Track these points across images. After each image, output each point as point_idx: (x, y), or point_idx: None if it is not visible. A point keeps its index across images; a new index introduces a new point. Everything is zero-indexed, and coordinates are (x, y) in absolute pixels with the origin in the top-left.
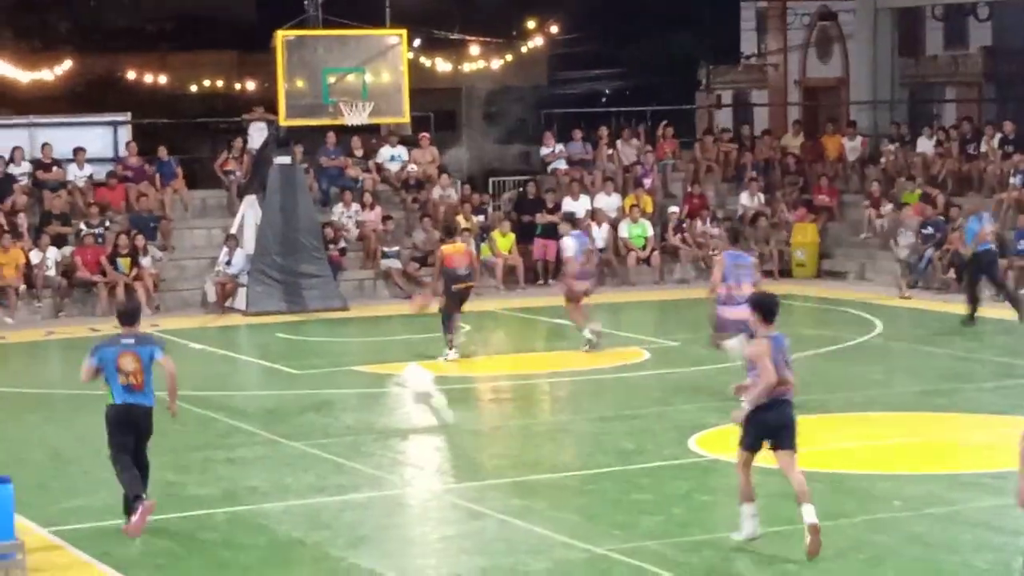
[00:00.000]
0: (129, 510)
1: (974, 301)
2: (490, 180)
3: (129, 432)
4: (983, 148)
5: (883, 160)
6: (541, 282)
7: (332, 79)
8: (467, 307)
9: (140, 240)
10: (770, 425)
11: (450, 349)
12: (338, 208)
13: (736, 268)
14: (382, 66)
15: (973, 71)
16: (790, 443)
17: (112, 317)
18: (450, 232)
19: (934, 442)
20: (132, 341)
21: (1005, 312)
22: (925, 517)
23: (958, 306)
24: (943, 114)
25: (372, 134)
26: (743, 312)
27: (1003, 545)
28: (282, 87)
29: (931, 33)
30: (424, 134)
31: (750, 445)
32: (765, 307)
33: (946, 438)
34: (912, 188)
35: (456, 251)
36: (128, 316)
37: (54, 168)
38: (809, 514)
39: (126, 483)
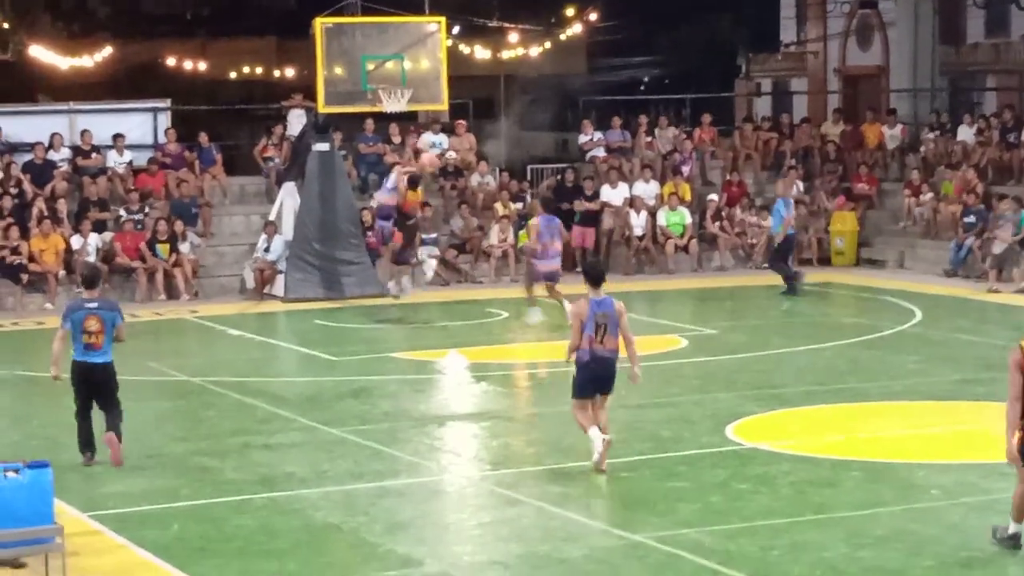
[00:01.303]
0: (82, 452)
1: (790, 275)
2: (528, 168)
3: (87, 387)
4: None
5: (923, 148)
6: (579, 269)
7: (371, 66)
8: (506, 294)
9: (179, 226)
10: (596, 376)
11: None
12: (377, 195)
13: (548, 228)
14: (421, 53)
15: (1015, 59)
16: (608, 389)
17: (151, 303)
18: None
19: (973, 431)
20: (96, 305)
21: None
22: (963, 506)
23: (999, 295)
24: (984, 102)
25: (410, 121)
26: (553, 264)
27: None
28: (321, 74)
29: (972, 21)
30: (461, 121)
31: (584, 394)
32: (590, 274)
33: (985, 427)
34: (951, 177)
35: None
36: (90, 281)
37: (93, 154)
38: (605, 434)
39: (80, 437)
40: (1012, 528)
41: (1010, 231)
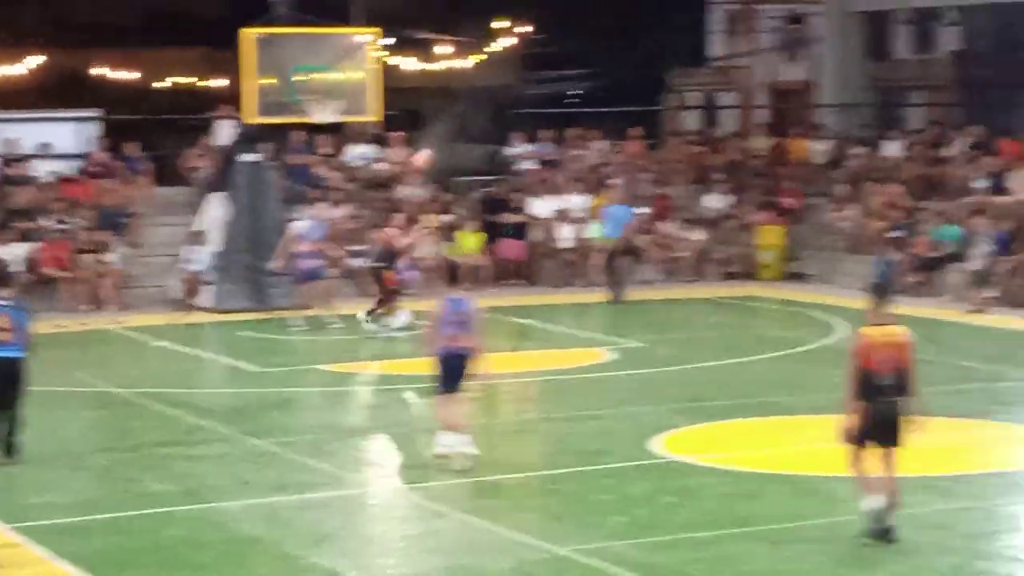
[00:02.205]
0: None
1: (616, 285)
2: (458, 180)
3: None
4: (949, 152)
5: (850, 163)
6: (507, 282)
7: (300, 77)
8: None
9: (107, 236)
10: (446, 371)
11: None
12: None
13: None
14: (351, 64)
15: (941, 75)
16: (456, 386)
17: (77, 313)
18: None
19: None
20: (4, 303)
21: (968, 317)
22: None
23: (922, 309)
24: (910, 118)
25: (339, 132)
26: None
27: (962, 548)
28: (250, 85)
29: (899, 37)
30: (398, 133)
31: (445, 389)
32: (448, 273)
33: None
34: (877, 191)
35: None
36: (1, 279)
37: (21, 164)
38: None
39: None
40: (867, 504)
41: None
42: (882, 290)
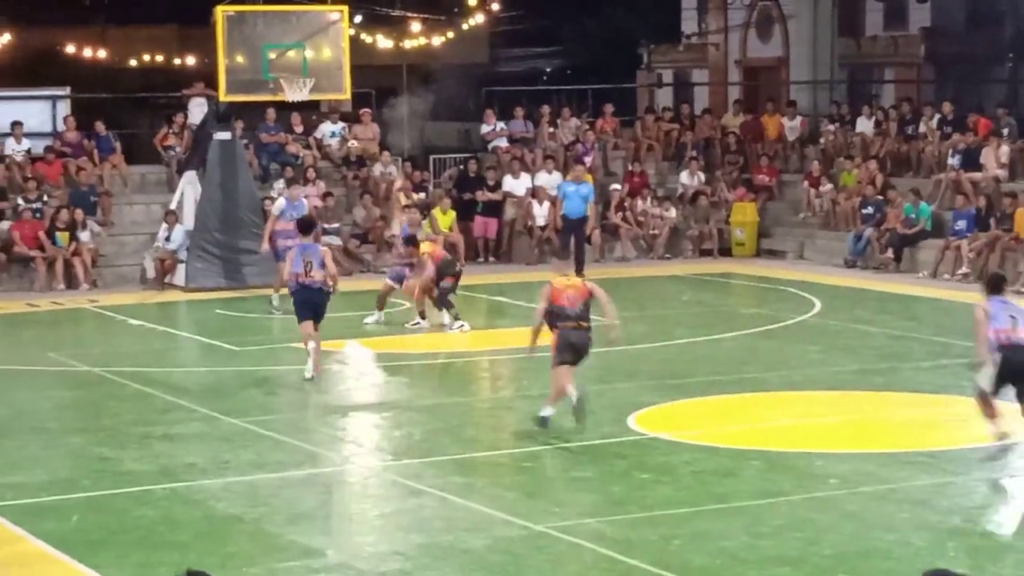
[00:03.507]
0: None
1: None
2: (431, 158)
3: None
4: (922, 129)
5: (822, 140)
6: (482, 260)
7: (273, 55)
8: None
9: (79, 215)
10: (304, 303)
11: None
12: (279, 184)
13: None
14: (323, 42)
15: (912, 52)
16: (319, 316)
17: (51, 292)
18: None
19: (871, 421)
20: None
21: (942, 292)
22: (862, 495)
23: (897, 285)
24: (882, 95)
25: (312, 110)
26: None
27: (938, 523)
28: (222, 62)
29: (871, 14)
30: (366, 110)
31: (303, 318)
32: (301, 225)
33: (883, 417)
34: (849, 168)
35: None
36: None
37: None
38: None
39: None
40: (546, 411)
41: None
42: (566, 253)
